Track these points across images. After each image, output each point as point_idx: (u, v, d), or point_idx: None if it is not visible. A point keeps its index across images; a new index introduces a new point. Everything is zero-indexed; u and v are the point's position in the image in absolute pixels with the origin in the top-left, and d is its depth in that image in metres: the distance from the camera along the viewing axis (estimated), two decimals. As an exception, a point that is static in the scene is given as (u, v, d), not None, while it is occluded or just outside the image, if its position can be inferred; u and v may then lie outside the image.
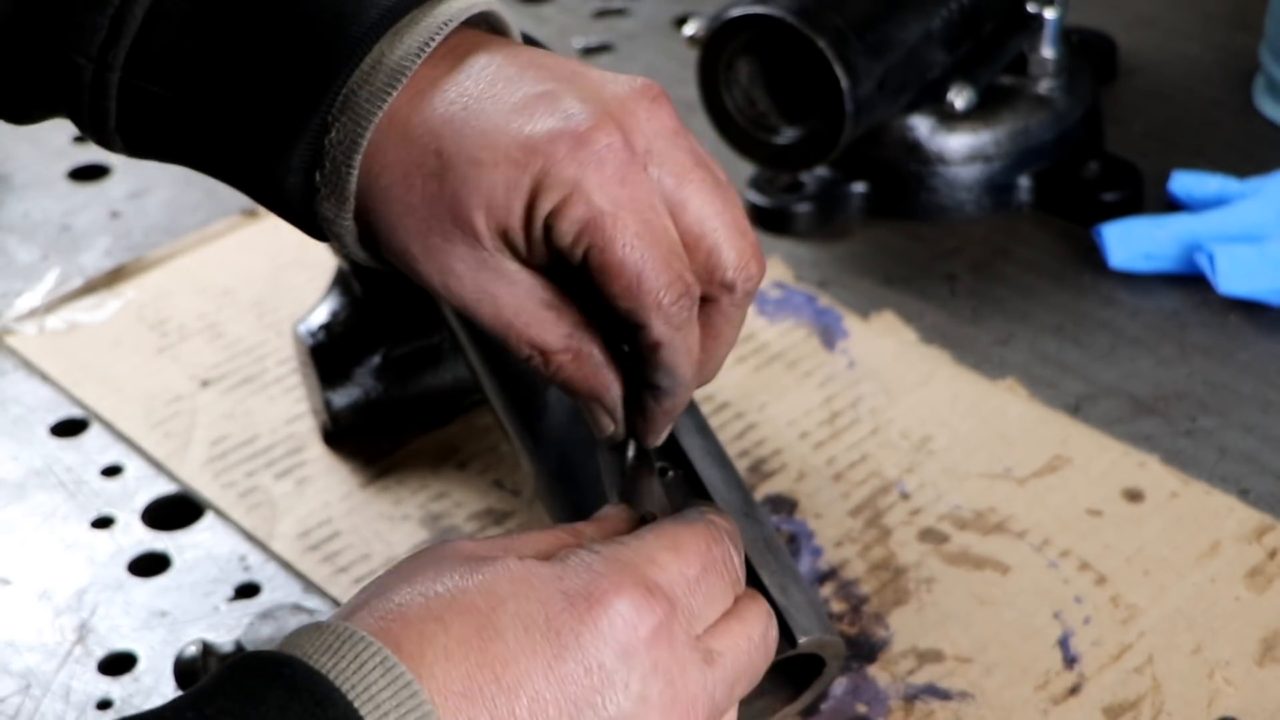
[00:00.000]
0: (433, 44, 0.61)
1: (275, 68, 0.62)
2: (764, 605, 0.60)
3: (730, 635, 0.57)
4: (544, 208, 0.59)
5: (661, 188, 0.61)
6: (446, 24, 0.61)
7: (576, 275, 0.61)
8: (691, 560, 0.57)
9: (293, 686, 0.51)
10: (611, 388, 0.63)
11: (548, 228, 0.59)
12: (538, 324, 0.61)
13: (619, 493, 0.64)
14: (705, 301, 0.62)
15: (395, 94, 0.60)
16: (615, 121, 0.60)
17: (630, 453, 0.65)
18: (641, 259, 0.59)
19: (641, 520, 0.62)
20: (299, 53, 0.61)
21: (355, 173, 0.61)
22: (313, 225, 0.64)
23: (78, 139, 1.20)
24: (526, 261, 0.61)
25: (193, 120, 0.64)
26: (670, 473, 0.68)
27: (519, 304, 0.61)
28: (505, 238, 0.60)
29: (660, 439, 0.65)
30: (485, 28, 0.65)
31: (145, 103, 0.64)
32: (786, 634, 0.65)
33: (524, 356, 0.62)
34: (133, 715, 0.51)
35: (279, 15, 0.62)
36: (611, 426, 0.64)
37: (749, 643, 0.58)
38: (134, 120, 0.65)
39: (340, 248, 0.64)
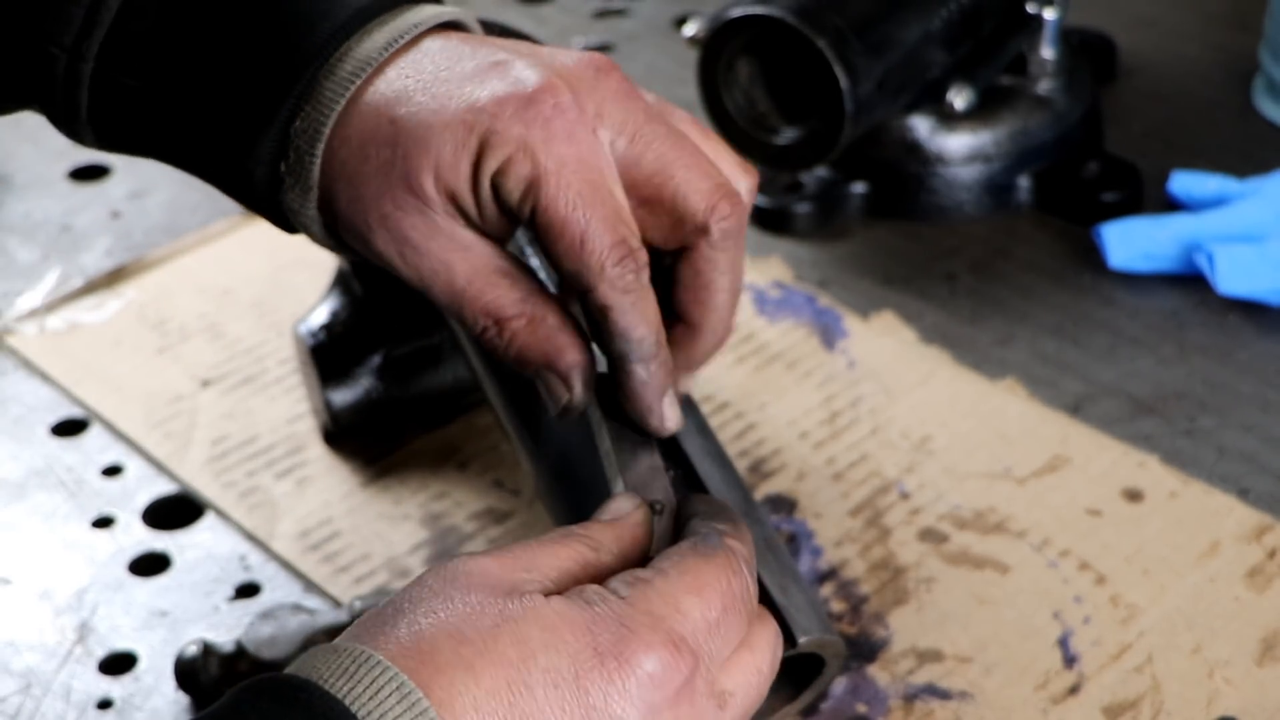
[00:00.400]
0: (400, 41, 0.62)
1: (246, 62, 0.62)
2: (773, 628, 0.59)
3: (743, 671, 0.57)
4: (490, 166, 0.60)
5: (615, 150, 0.61)
6: (416, 26, 0.62)
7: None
8: (713, 602, 0.56)
9: (308, 710, 0.50)
10: (566, 352, 0.62)
11: (495, 187, 0.60)
12: (491, 290, 0.61)
13: (622, 478, 0.63)
14: (687, 251, 0.62)
15: (358, 84, 0.61)
16: (565, 84, 0.60)
17: (626, 439, 0.64)
18: (584, 219, 0.59)
19: (650, 509, 0.61)
20: (270, 48, 0.62)
21: (318, 161, 0.61)
22: (281, 217, 0.64)
23: (78, 139, 1.21)
24: (479, 229, 0.61)
25: (164, 112, 0.64)
26: (671, 472, 0.68)
27: (473, 270, 0.61)
28: (455, 201, 0.61)
29: (660, 419, 0.64)
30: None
31: (117, 94, 0.64)
32: (786, 634, 0.65)
33: (479, 329, 0.62)
34: None
35: (252, 12, 0.63)
36: (565, 395, 0.63)
37: (759, 676, 0.58)
38: (105, 112, 0.65)
39: (311, 236, 0.65)
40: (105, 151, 0.68)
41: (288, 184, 0.63)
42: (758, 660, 0.58)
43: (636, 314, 0.61)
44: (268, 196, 0.63)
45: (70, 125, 0.67)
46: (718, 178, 0.63)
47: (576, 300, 0.62)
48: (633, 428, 0.65)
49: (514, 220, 0.61)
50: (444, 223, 0.61)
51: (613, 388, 0.64)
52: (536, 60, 0.62)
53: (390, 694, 0.50)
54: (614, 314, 0.61)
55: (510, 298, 0.62)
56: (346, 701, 0.50)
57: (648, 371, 0.62)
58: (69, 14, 0.63)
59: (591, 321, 0.62)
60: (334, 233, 0.64)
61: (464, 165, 0.60)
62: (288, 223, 0.65)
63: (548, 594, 0.55)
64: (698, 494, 0.65)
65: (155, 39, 0.63)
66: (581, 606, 0.54)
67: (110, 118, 0.66)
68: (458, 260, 0.61)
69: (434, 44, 0.63)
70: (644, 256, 0.61)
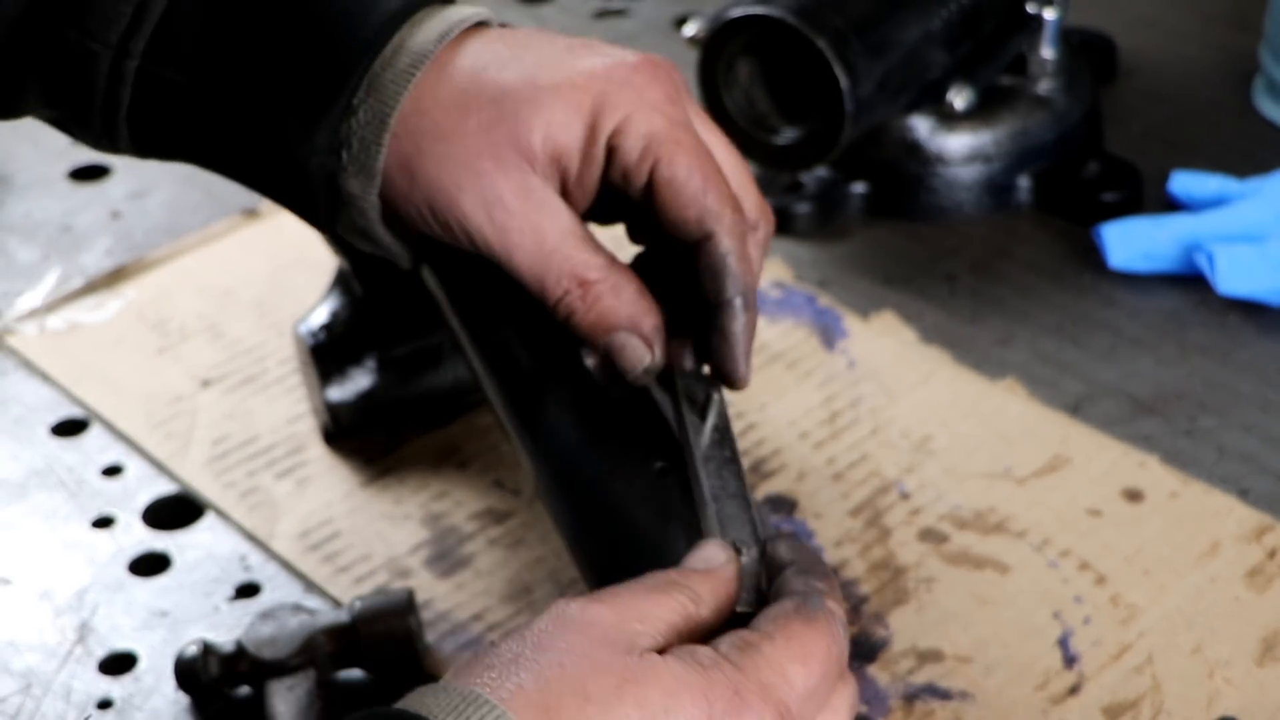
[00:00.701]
0: (451, 34, 0.63)
1: (299, 54, 0.63)
2: (853, 688, 0.60)
3: None
4: (606, 127, 0.62)
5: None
6: (462, 21, 0.64)
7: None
8: (815, 670, 0.57)
9: None
10: (651, 314, 0.65)
11: (611, 149, 0.62)
12: (578, 253, 0.63)
13: (707, 498, 0.63)
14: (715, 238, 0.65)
15: (419, 75, 0.62)
16: (655, 58, 0.65)
17: (705, 437, 0.65)
18: (705, 170, 0.63)
19: (735, 549, 0.61)
20: (322, 39, 0.63)
21: (384, 150, 0.63)
22: (329, 208, 0.64)
23: (78, 139, 1.21)
24: (566, 197, 0.64)
25: (210, 107, 0.65)
26: (752, 506, 0.68)
27: (561, 234, 0.63)
28: (557, 162, 0.63)
29: (747, 370, 0.66)
30: None
31: (161, 91, 0.65)
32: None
33: (560, 291, 0.63)
34: None
35: (300, 4, 0.64)
36: (649, 356, 0.65)
37: None
38: (147, 109, 0.65)
39: (353, 231, 0.65)
40: (134, 155, 0.68)
41: (350, 172, 0.63)
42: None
43: (747, 260, 0.64)
44: (325, 185, 0.64)
45: (105, 128, 0.66)
46: (759, 192, 0.67)
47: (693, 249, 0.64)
48: (717, 441, 0.66)
49: (613, 183, 0.63)
50: (538, 184, 0.63)
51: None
52: (617, 46, 0.66)
53: None
54: (733, 258, 0.63)
55: (595, 261, 0.63)
56: None
57: (748, 320, 0.65)
58: (116, 11, 0.64)
59: (706, 269, 0.64)
60: (391, 219, 0.65)
61: (577, 126, 0.62)
62: (328, 215, 0.65)
63: (660, 649, 0.56)
64: (786, 538, 0.64)
65: (203, 35, 0.64)
66: (697, 670, 0.54)
67: (151, 116, 0.66)
68: (547, 222, 0.63)
69: (498, 31, 0.65)
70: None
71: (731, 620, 0.59)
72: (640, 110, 0.63)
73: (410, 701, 0.53)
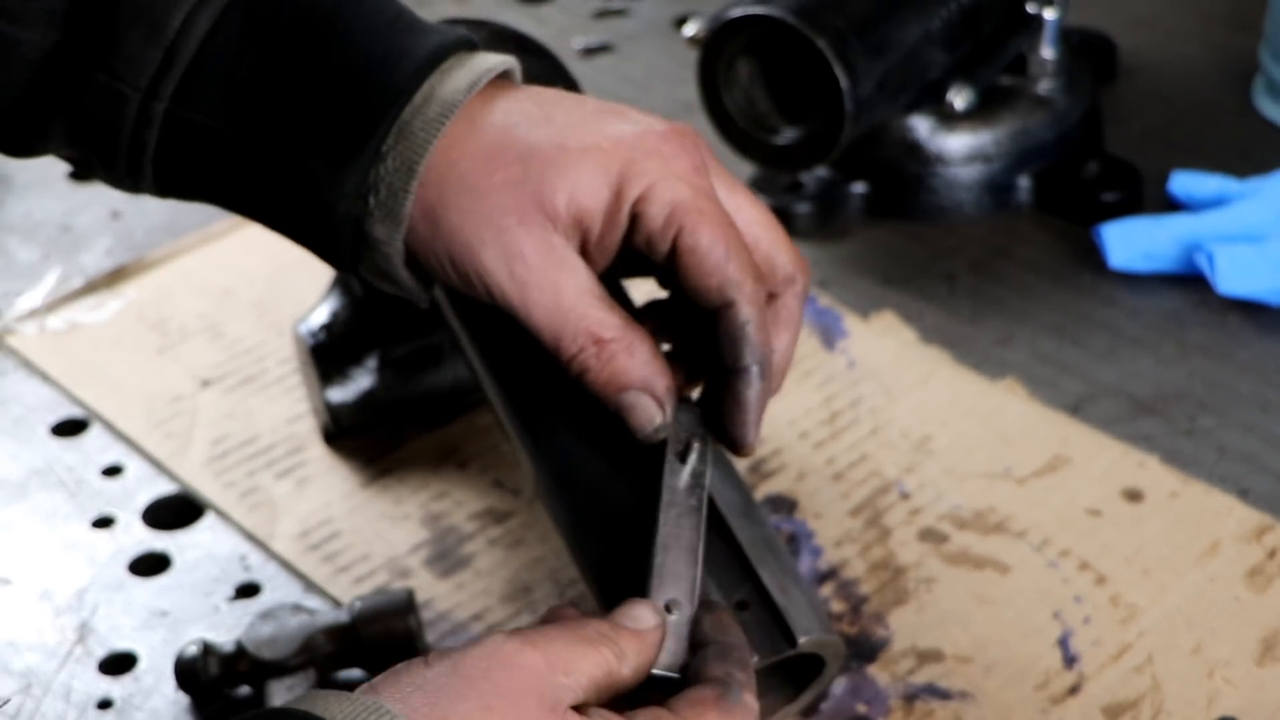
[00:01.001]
0: (481, 83, 0.64)
1: (327, 100, 0.64)
2: None
3: None
4: (631, 193, 0.63)
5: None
6: (490, 70, 0.65)
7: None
8: None
9: None
10: (663, 375, 0.65)
11: (635, 215, 0.63)
12: (595, 312, 0.64)
13: (658, 531, 0.64)
14: (772, 298, 0.67)
15: (448, 124, 0.63)
16: (682, 127, 0.66)
17: (681, 480, 0.66)
18: (728, 240, 0.63)
19: (666, 609, 0.63)
20: (352, 86, 0.64)
21: (411, 197, 0.63)
22: (353, 251, 0.65)
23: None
24: (586, 257, 0.64)
25: (237, 151, 0.65)
26: (698, 565, 0.68)
27: (579, 293, 0.64)
28: (581, 224, 0.63)
29: (755, 437, 0.66)
30: None
31: (189, 134, 0.65)
32: (786, 634, 0.65)
33: (576, 349, 0.64)
34: None
35: (328, 50, 0.64)
36: (660, 417, 0.65)
37: None
38: (173, 152, 0.66)
39: (375, 273, 0.66)
40: (155, 196, 0.69)
41: (376, 217, 0.64)
42: None
43: (765, 329, 0.65)
44: (351, 230, 0.65)
45: (130, 169, 0.67)
46: (793, 245, 0.68)
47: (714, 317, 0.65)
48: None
49: (637, 248, 0.64)
50: (559, 243, 0.63)
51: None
52: (644, 112, 0.67)
53: None
54: (752, 327, 0.64)
55: (612, 321, 0.64)
56: None
57: (765, 389, 0.65)
58: (146, 55, 0.64)
59: (725, 337, 0.65)
60: (413, 263, 0.66)
61: (603, 190, 0.63)
62: (352, 257, 0.66)
63: (577, 705, 0.57)
64: (718, 610, 0.65)
65: (232, 79, 0.64)
66: None
67: (177, 158, 0.66)
68: (566, 280, 0.64)
69: (529, 90, 0.66)
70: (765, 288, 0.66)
71: (648, 682, 0.61)
72: (666, 179, 0.63)
73: (308, 703, 0.54)
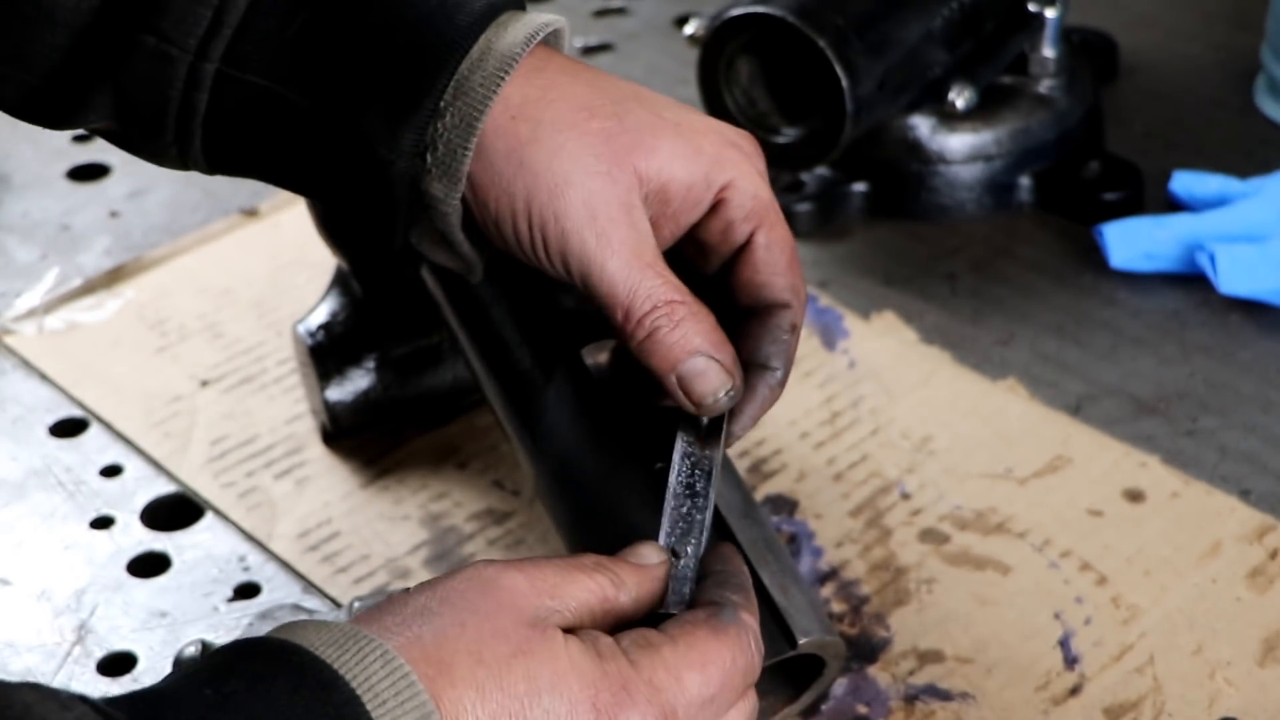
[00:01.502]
0: (539, 36, 0.63)
1: (382, 55, 0.63)
2: (753, 704, 0.61)
3: None
4: (720, 179, 0.64)
5: None
6: (546, 25, 0.64)
7: None
8: (713, 679, 0.58)
9: (300, 671, 0.52)
10: (729, 345, 0.65)
11: (719, 201, 0.64)
12: (671, 277, 0.63)
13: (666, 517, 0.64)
14: (770, 308, 0.67)
15: (507, 80, 0.62)
16: (747, 133, 0.67)
17: (717, 451, 0.66)
18: (793, 246, 0.65)
19: (673, 554, 0.63)
20: (405, 41, 0.63)
21: (470, 154, 0.62)
22: (409, 212, 0.64)
23: (77, 138, 1.20)
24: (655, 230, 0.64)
25: (290, 112, 0.64)
26: (707, 513, 0.68)
27: (655, 254, 0.63)
28: (663, 195, 0.64)
29: (750, 427, 0.67)
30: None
31: (240, 95, 0.64)
32: (786, 634, 0.65)
33: (647, 309, 0.63)
34: (148, 690, 0.52)
35: (381, 5, 0.63)
36: (730, 382, 0.64)
37: None
38: (224, 116, 0.65)
39: (432, 237, 0.65)
40: (202, 170, 0.67)
41: (434, 175, 0.63)
42: None
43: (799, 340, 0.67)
44: (408, 188, 0.63)
45: (178, 136, 0.65)
46: (802, 280, 0.68)
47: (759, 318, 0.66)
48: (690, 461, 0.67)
49: (705, 235, 0.65)
50: (639, 206, 0.63)
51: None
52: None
53: (391, 681, 0.52)
54: (795, 334, 0.66)
55: (683, 289, 0.64)
56: (342, 673, 0.52)
57: (781, 389, 0.67)
58: (195, 15, 0.63)
59: (768, 334, 0.66)
60: (470, 227, 0.65)
61: (695, 170, 0.64)
62: (405, 221, 0.65)
63: (567, 628, 0.57)
64: (722, 545, 0.65)
65: (283, 38, 0.63)
66: (593, 658, 0.56)
67: (228, 122, 0.65)
68: (644, 242, 0.63)
69: (586, 64, 0.66)
70: None
71: (651, 619, 0.60)
72: (750, 175, 0.65)
73: (286, 631, 0.54)
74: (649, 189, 0.63)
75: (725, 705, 0.59)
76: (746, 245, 0.65)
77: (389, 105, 0.62)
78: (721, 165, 0.64)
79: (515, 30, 0.63)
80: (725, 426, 0.66)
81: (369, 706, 0.51)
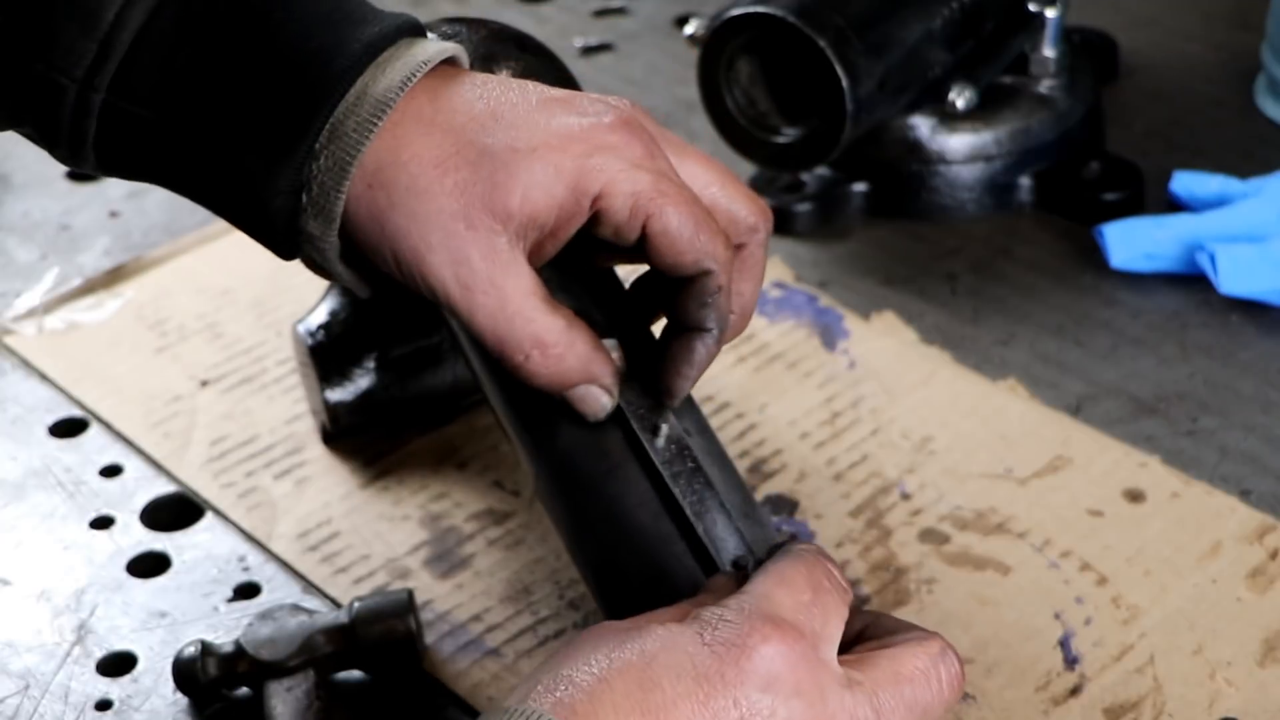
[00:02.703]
0: (414, 79, 0.64)
1: (261, 96, 0.64)
2: (840, 596, 0.63)
3: (877, 669, 0.61)
4: (590, 190, 0.64)
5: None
6: (425, 63, 0.65)
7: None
8: (802, 587, 0.61)
9: None
10: (605, 364, 0.67)
11: (598, 212, 0.64)
12: (539, 317, 0.65)
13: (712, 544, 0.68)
14: (738, 248, 0.69)
15: (381, 124, 0.64)
16: (628, 115, 0.66)
17: (659, 453, 0.69)
18: (695, 215, 0.65)
19: (735, 566, 0.67)
20: (285, 82, 0.64)
21: (344, 197, 0.64)
22: (289, 243, 0.66)
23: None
24: (538, 250, 0.65)
25: (174, 142, 0.66)
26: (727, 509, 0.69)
27: (523, 298, 0.65)
28: (534, 223, 0.64)
29: (688, 388, 0.69)
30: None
31: (126, 123, 0.66)
32: None
33: (521, 356, 0.65)
34: None
35: (263, 44, 0.65)
36: (608, 399, 0.68)
37: (896, 678, 0.61)
38: (112, 140, 0.67)
39: (311, 265, 0.67)
40: (101, 175, 0.70)
41: (309, 213, 0.65)
42: (896, 665, 0.62)
43: (731, 295, 0.67)
44: (285, 225, 0.65)
45: (74, 151, 0.68)
46: (747, 188, 0.70)
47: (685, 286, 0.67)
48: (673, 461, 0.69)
49: (604, 238, 0.66)
50: (505, 246, 0.64)
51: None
52: (590, 97, 0.67)
53: None
54: (722, 294, 0.66)
55: (555, 325, 0.65)
56: None
57: (720, 343, 0.68)
58: (82, 48, 0.65)
59: (695, 299, 0.67)
60: (353, 257, 0.66)
61: (558, 189, 0.64)
62: (289, 249, 0.67)
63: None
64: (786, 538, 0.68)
65: (167, 72, 0.65)
66: (691, 621, 0.60)
67: (117, 146, 0.67)
68: (511, 285, 0.64)
69: (475, 78, 0.67)
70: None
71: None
72: (623, 170, 0.64)
73: None
74: (516, 225, 0.64)
75: (833, 607, 0.62)
76: (645, 237, 0.65)
77: (266, 146, 0.64)
78: (589, 174, 0.64)
79: (393, 73, 0.64)
80: (679, 422, 0.69)
81: None
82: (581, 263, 0.71)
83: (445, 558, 0.86)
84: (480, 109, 0.65)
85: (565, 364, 0.66)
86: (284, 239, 0.66)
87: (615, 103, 0.67)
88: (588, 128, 0.65)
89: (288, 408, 0.96)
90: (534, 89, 0.67)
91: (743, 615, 0.59)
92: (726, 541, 0.67)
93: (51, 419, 0.97)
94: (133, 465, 0.93)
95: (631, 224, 0.64)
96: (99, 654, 0.81)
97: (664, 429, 0.69)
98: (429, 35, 0.68)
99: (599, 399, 0.67)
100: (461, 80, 0.66)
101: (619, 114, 0.66)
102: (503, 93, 0.66)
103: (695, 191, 0.67)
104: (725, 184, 0.69)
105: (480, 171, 0.64)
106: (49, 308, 1.06)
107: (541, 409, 0.71)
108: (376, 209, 0.64)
